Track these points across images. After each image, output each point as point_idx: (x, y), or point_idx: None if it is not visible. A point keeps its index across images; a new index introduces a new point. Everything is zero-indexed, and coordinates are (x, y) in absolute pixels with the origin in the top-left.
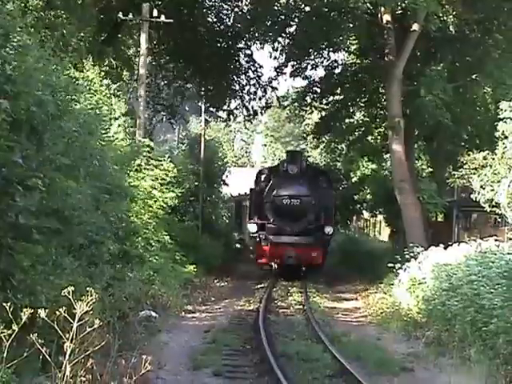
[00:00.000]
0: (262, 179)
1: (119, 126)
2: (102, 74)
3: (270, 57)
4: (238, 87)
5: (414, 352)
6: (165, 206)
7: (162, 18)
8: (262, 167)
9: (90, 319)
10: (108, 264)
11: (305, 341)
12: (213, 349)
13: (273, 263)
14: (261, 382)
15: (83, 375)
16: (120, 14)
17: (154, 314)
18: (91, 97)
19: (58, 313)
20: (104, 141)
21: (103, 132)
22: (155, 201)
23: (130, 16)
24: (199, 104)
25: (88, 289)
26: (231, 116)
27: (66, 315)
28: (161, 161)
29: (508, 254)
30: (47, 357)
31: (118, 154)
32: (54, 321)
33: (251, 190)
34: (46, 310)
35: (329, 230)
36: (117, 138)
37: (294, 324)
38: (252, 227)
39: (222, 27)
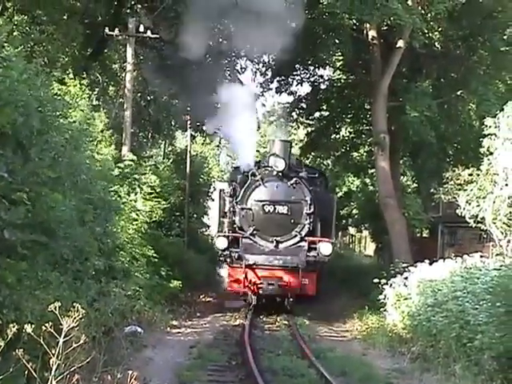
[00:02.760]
0: (238, 178)
1: (102, 141)
2: (86, 88)
3: (255, 75)
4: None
5: (399, 368)
6: (150, 220)
7: (149, 33)
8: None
9: (75, 334)
10: (93, 279)
11: (290, 356)
12: (198, 364)
13: (250, 292)
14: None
15: None
16: (106, 30)
17: (139, 329)
18: (74, 111)
19: (43, 328)
20: (90, 156)
21: (89, 147)
22: (139, 215)
23: (117, 31)
24: (185, 119)
25: (74, 304)
26: (216, 131)
27: (51, 330)
28: (145, 173)
29: (494, 269)
30: (32, 372)
31: (103, 169)
32: (40, 336)
33: (221, 191)
34: (32, 326)
35: (326, 248)
36: (101, 154)
37: (280, 339)
38: (221, 242)
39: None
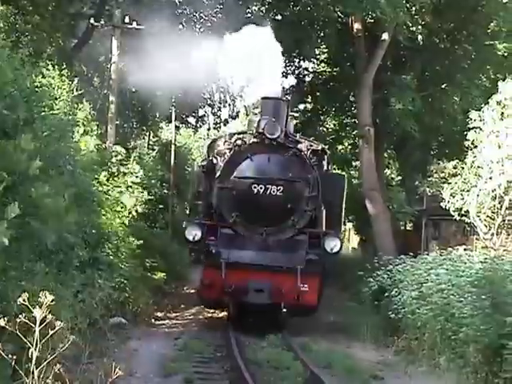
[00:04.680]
0: (217, 151)
1: (85, 132)
2: (67, 79)
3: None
4: (207, 95)
5: (384, 360)
6: (134, 212)
7: (134, 24)
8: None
9: (60, 325)
10: (78, 270)
11: (275, 348)
12: (183, 356)
13: (229, 300)
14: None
15: (53, 382)
16: (92, 20)
17: (123, 320)
18: (58, 101)
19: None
20: (74, 147)
21: (73, 137)
22: (123, 207)
23: (102, 22)
24: (169, 110)
25: (58, 295)
26: (200, 123)
27: (33, 322)
28: (126, 164)
29: (479, 262)
30: (16, 364)
31: (87, 160)
32: (19, 327)
33: (195, 165)
34: (17, 317)
35: (333, 244)
36: (83, 143)
37: (265, 331)
38: (192, 232)
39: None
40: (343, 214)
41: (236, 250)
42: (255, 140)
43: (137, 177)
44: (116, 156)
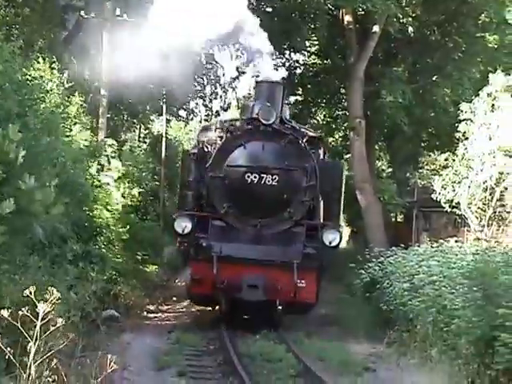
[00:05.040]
0: (208, 139)
1: (76, 123)
2: (57, 71)
3: (232, 58)
4: (199, 87)
5: (376, 352)
6: (125, 205)
7: (125, 17)
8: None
9: (54, 319)
10: (71, 264)
11: (268, 341)
12: (176, 349)
13: (222, 297)
14: (225, 382)
15: (49, 375)
16: (82, 13)
17: (116, 313)
18: (48, 94)
19: (21, 312)
20: (66, 139)
21: (65, 130)
22: (114, 200)
23: (93, 15)
24: (160, 103)
25: (52, 288)
26: (191, 115)
27: (29, 315)
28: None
29: (470, 254)
30: (11, 357)
31: (79, 153)
32: (18, 321)
33: (184, 153)
34: (9, 310)
35: (332, 237)
36: (74, 136)
37: (258, 324)
38: (181, 224)
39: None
40: (342, 204)
41: (228, 243)
42: (249, 126)
43: (119, 171)
44: (108, 149)
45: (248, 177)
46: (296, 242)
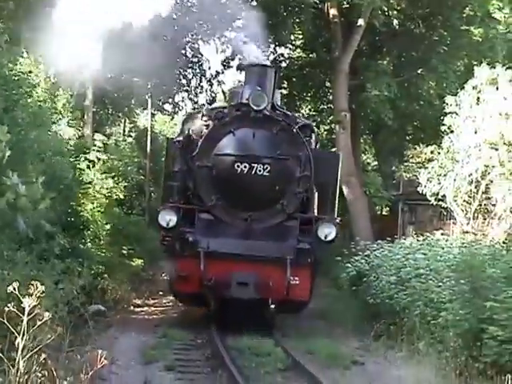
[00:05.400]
0: (195, 127)
1: (62, 118)
2: (42, 65)
3: (218, 52)
4: (184, 81)
5: (364, 345)
6: (111, 199)
7: None
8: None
9: (41, 313)
10: (58, 258)
11: (256, 335)
12: (164, 343)
13: (209, 295)
14: (214, 376)
15: (38, 371)
16: None
17: (102, 308)
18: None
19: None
20: (53, 134)
21: (52, 125)
22: (100, 194)
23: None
24: (146, 97)
25: (37, 282)
26: (177, 109)
27: (15, 310)
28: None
29: (457, 247)
30: None
31: (67, 147)
32: (5, 316)
33: (169, 141)
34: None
35: (328, 231)
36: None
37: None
38: (166, 217)
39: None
40: (337, 196)
41: (216, 238)
42: (238, 113)
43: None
44: (96, 143)
45: (237, 166)
46: (289, 237)
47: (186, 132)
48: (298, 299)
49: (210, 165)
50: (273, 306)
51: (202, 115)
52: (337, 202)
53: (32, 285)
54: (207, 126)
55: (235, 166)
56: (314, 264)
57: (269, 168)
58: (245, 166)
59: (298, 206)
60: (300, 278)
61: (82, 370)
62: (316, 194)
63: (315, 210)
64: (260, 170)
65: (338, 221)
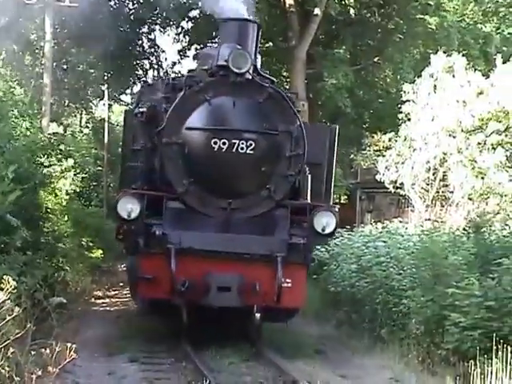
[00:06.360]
0: (160, 94)
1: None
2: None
3: (174, 41)
4: (141, 72)
5: (326, 334)
6: (69, 191)
7: (67, 1)
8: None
9: (19, 311)
10: (20, 251)
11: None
12: (126, 334)
13: (182, 303)
14: (177, 367)
15: (6, 365)
16: None
17: (64, 300)
18: None
19: None
20: (14, 126)
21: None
22: (60, 186)
23: (35, 0)
24: (102, 88)
25: (8, 277)
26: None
27: None
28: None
29: (419, 234)
30: None
31: (27, 140)
32: None
33: (128, 113)
34: None
35: (325, 220)
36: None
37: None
38: (127, 206)
39: (124, 11)
40: (333, 179)
41: (190, 232)
42: (215, 78)
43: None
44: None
45: (215, 143)
46: (279, 229)
47: (150, 102)
48: (291, 306)
49: (180, 141)
50: (258, 315)
51: (166, 84)
52: (332, 185)
53: (4, 279)
54: (167, 98)
55: (212, 142)
56: (310, 263)
57: (253, 145)
58: (223, 143)
59: (288, 191)
60: (293, 280)
61: (51, 363)
62: (309, 177)
63: (308, 195)
64: (242, 148)
65: (336, 209)
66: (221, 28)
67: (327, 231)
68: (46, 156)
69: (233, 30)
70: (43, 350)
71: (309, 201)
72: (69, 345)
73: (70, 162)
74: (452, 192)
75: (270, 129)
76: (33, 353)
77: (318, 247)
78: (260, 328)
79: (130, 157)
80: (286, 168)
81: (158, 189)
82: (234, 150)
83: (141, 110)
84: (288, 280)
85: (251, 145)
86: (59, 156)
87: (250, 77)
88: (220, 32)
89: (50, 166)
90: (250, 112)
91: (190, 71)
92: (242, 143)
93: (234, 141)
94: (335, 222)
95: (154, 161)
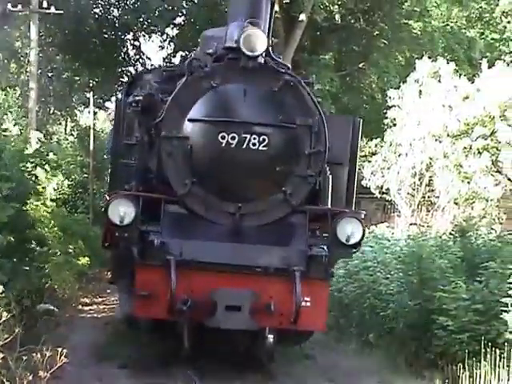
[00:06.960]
0: (151, 86)
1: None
2: None
3: (159, 49)
4: (126, 79)
5: (314, 339)
6: (56, 198)
7: (52, 9)
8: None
9: (7, 316)
10: (7, 258)
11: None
12: (115, 341)
13: (183, 324)
14: (168, 373)
15: None
16: (9, 5)
17: (51, 307)
18: None
19: None
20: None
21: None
22: (46, 193)
23: (20, 7)
24: (87, 96)
25: None
26: None
27: None
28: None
29: (406, 239)
30: None
31: (15, 147)
32: None
33: (119, 103)
34: None
35: (351, 228)
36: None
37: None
38: (120, 210)
39: (109, 18)
40: (356, 179)
41: (192, 241)
42: (223, 63)
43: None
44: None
45: (222, 138)
46: (296, 239)
47: (146, 90)
48: (311, 327)
49: (181, 135)
50: (271, 337)
51: (162, 72)
52: (355, 187)
53: None
54: (163, 87)
55: (219, 137)
56: (331, 278)
57: (267, 140)
58: (232, 138)
59: (306, 194)
60: (313, 298)
61: (42, 367)
62: (330, 179)
63: (329, 200)
64: (254, 144)
65: (362, 216)
66: (230, 5)
67: (352, 241)
68: (35, 165)
69: (244, 6)
70: (34, 354)
71: (329, 206)
72: (59, 349)
73: (57, 169)
74: (438, 197)
75: (286, 122)
76: (24, 358)
77: None
78: (273, 352)
79: (122, 153)
80: (304, 167)
81: (155, 190)
82: (244, 145)
83: (136, 98)
84: (307, 298)
85: (264, 140)
86: (48, 165)
87: (264, 61)
88: (229, 9)
89: (37, 178)
90: (263, 102)
91: (193, 57)
92: (254, 138)
93: (244, 135)
94: (362, 231)
95: (150, 157)
